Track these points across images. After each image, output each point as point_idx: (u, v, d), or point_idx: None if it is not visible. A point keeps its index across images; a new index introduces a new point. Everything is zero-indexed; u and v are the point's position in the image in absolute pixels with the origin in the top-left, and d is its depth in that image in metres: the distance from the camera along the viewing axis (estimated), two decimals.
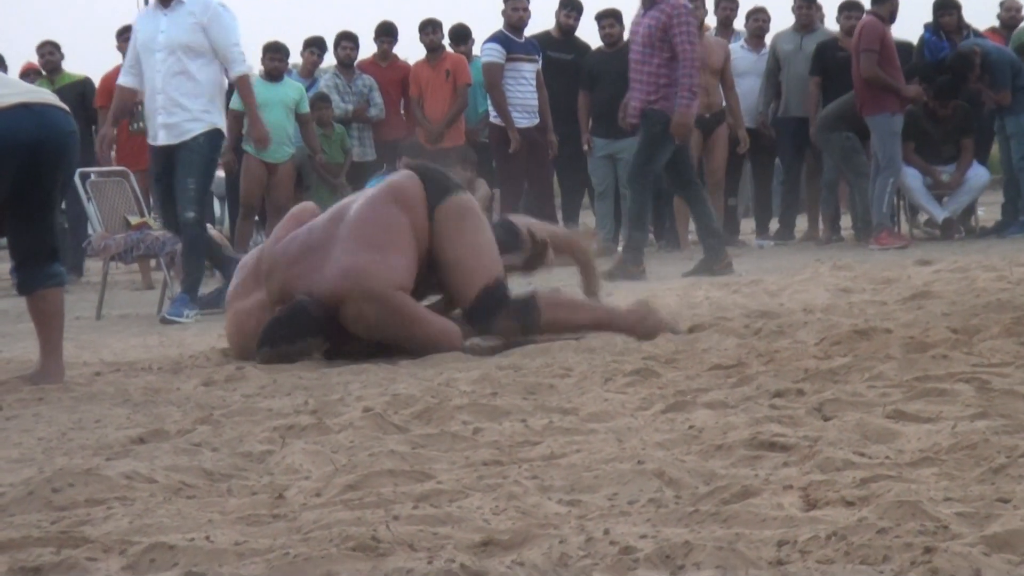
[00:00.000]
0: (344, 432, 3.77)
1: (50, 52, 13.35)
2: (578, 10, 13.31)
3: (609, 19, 13.07)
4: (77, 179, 8.98)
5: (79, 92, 13.05)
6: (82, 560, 2.49)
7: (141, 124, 10.25)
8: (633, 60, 10.07)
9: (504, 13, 12.72)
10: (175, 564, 2.44)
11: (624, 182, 13.08)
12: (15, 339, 7.20)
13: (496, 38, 12.69)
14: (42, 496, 3.03)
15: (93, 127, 12.08)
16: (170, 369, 5.64)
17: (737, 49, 13.34)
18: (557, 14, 13.26)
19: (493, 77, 12.57)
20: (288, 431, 3.81)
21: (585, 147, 13.02)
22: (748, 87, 13.13)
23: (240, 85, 8.74)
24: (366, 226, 5.69)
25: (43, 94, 5.41)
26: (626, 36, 11.94)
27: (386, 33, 13.72)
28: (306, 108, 12.81)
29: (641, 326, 5.81)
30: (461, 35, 13.61)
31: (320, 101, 13.05)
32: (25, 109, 5.22)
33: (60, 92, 12.95)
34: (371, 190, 6.00)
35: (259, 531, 2.69)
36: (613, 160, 13.04)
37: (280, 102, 12.47)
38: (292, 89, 12.89)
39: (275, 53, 13.08)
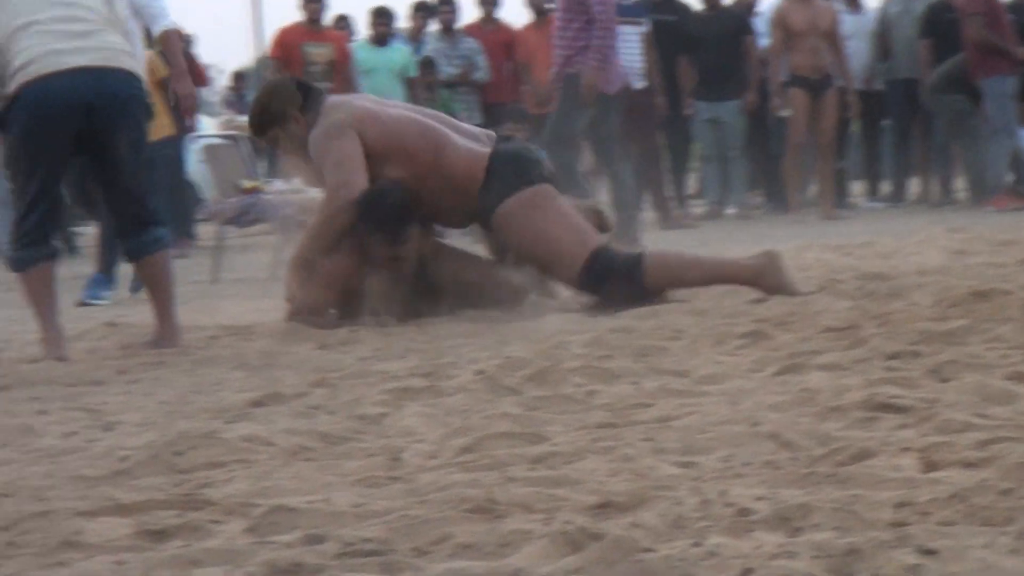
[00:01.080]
0: (457, 395, 3.80)
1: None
2: None
3: None
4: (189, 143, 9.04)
5: None
6: (205, 523, 2.53)
7: None
8: (555, 26, 9.98)
9: None
10: (295, 526, 2.48)
11: (725, 145, 13.02)
12: (137, 304, 7.32)
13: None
14: (165, 459, 3.09)
15: None
16: (284, 332, 5.70)
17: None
18: None
19: None
20: (403, 394, 3.84)
21: (687, 111, 12.96)
22: (851, 49, 12.98)
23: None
24: None
25: (111, 55, 5.35)
26: None
27: None
28: (413, 72, 12.85)
29: (762, 279, 5.77)
30: None
31: (426, 66, 13.08)
32: (82, 72, 5.25)
33: None
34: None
35: (377, 493, 2.72)
36: (717, 123, 12.98)
37: (387, 67, 12.53)
38: (399, 54, 12.93)
39: (381, 17, 13.13)
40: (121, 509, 2.64)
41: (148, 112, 5.54)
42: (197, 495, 2.73)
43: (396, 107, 6.31)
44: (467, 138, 6.05)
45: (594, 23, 9.66)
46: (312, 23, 12.85)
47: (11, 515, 2.61)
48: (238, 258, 10.85)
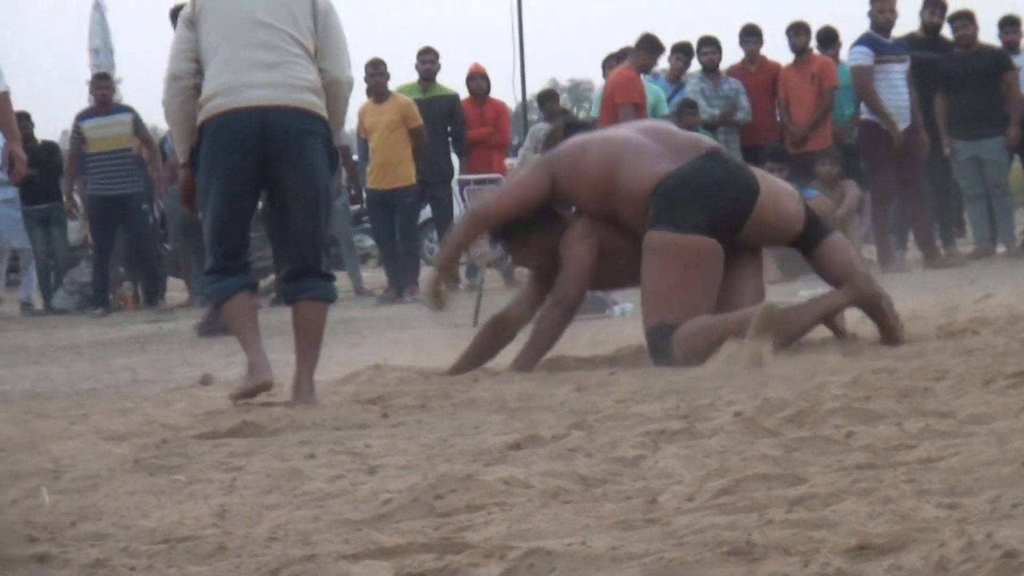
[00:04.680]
0: (715, 436, 3.77)
1: (431, 60, 13.73)
2: (942, 8, 12.98)
3: (963, 19, 12.74)
4: (455, 186, 9.16)
5: (449, 106, 13.49)
6: (464, 566, 2.56)
7: None
8: None
9: (871, 14, 12.48)
10: (553, 569, 2.49)
11: (989, 183, 12.65)
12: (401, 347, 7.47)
13: (864, 41, 12.48)
14: (425, 502, 3.14)
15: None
16: (544, 374, 5.75)
17: None
18: (921, 13, 12.96)
19: (863, 80, 12.35)
20: (660, 436, 3.84)
21: (947, 151, 12.70)
22: None
23: None
24: None
25: (284, 95, 5.37)
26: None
27: (751, 34, 13.62)
28: (664, 110, 12.89)
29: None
30: (828, 38, 13.39)
31: (687, 107, 13.08)
32: (259, 111, 5.32)
33: (430, 103, 13.40)
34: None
35: (634, 535, 2.72)
36: (979, 161, 12.66)
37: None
38: (651, 93, 12.98)
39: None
40: (383, 553, 2.70)
41: (326, 152, 5.49)
42: (456, 538, 2.77)
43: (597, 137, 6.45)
44: (667, 151, 6.05)
45: None
46: None
47: (280, 558, 2.69)
48: (500, 299, 10.97)
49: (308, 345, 5.43)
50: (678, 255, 5.83)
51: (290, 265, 5.52)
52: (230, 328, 5.60)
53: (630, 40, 12.81)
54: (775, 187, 6.12)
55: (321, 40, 5.48)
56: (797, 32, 13.01)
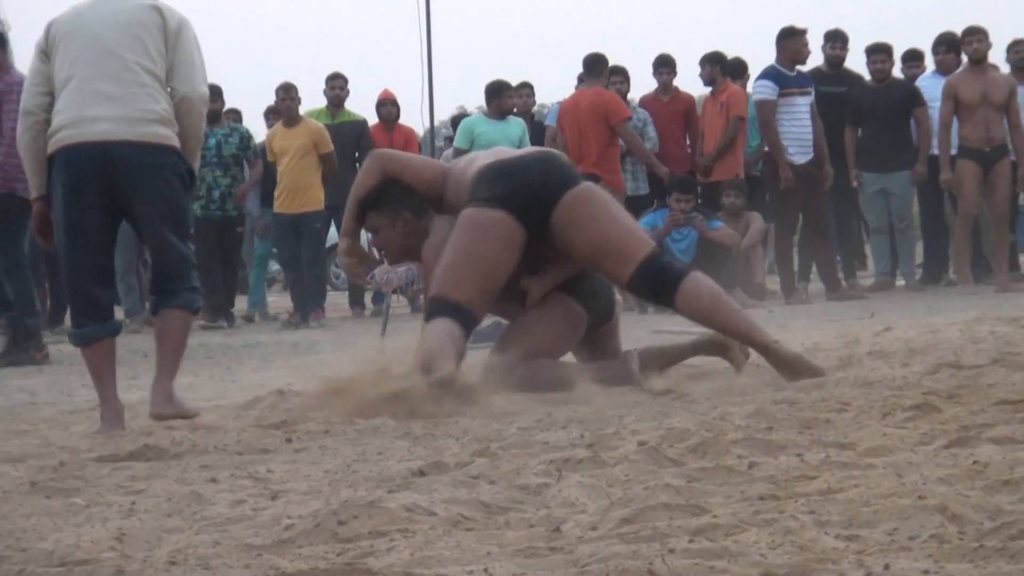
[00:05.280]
0: (619, 465, 3.78)
1: (340, 87, 13.75)
2: (843, 40, 13.16)
3: (881, 54, 12.94)
4: None
5: (357, 132, 13.54)
6: None
7: None
8: None
9: (784, 48, 12.56)
10: None
11: (894, 216, 12.85)
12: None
13: (767, 74, 12.62)
14: (328, 528, 3.12)
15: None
16: (448, 404, 5.73)
17: None
18: (823, 48, 13.13)
19: (766, 114, 12.49)
20: (564, 464, 3.84)
21: (854, 183, 12.88)
22: None
23: None
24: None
25: (126, 130, 5.44)
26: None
27: (664, 65, 13.73)
28: (527, 142, 13.13)
29: (771, 356, 5.79)
30: (738, 69, 13.54)
31: None
32: (99, 145, 5.37)
33: (338, 128, 13.47)
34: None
35: (537, 564, 2.72)
36: (886, 194, 12.85)
37: (505, 138, 12.78)
38: (516, 126, 13.20)
39: (507, 91, 13.47)
40: None
41: (176, 178, 5.54)
42: (359, 564, 2.76)
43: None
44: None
45: None
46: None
47: None
48: (406, 325, 10.96)
49: (166, 352, 5.52)
50: (463, 226, 5.87)
51: (152, 279, 5.68)
52: (89, 373, 5.64)
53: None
54: (606, 207, 6.01)
55: (172, 59, 5.52)
56: (703, 64, 13.14)
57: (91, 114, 5.41)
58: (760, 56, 13.72)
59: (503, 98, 13.43)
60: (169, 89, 5.51)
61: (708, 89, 13.29)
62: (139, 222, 5.53)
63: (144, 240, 5.67)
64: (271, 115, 14.37)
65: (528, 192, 5.88)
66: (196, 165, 5.68)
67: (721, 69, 13.12)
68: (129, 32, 5.47)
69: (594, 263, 6.01)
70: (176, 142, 5.52)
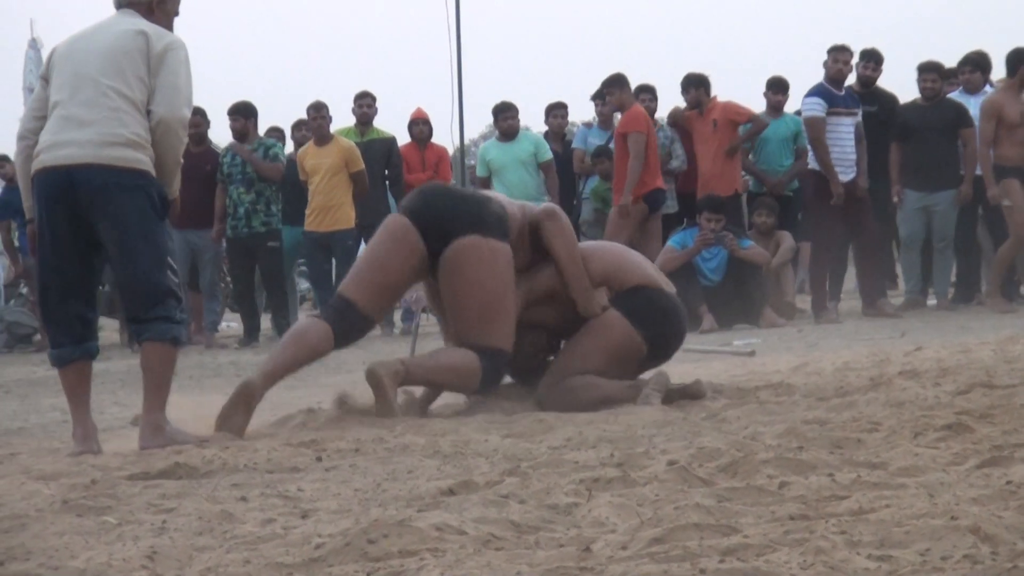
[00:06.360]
0: (649, 485, 3.78)
1: (368, 104, 13.80)
2: (877, 60, 13.13)
3: (932, 73, 12.85)
4: None
5: (386, 150, 13.60)
6: None
7: None
8: None
9: (826, 65, 12.58)
10: None
11: (935, 235, 12.80)
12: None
13: (817, 91, 12.59)
14: (358, 547, 3.13)
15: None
16: (479, 419, 5.74)
17: None
18: (857, 66, 13.10)
19: (816, 131, 12.48)
20: (594, 483, 3.84)
21: (895, 199, 12.82)
22: None
23: None
24: None
25: (89, 153, 5.48)
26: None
27: (695, 83, 13.73)
28: (545, 157, 13.22)
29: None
30: (781, 86, 13.52)
31: (599, 155, 13.33)
32: (63, 170, 5.44)
33: (367, 146, 13.56)
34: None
35: None
36: (927, 212, 12.79)
37: (514, 160, 12.83)
38: (527, 143, 13.30)
39: (507, 111, 13.60)
40: None
41: (146, 201, 5.55)
42: None
43: None
44: None
45: None
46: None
47: None
48: (434, 344, 10.96)
49: (148, 386, 5.55)
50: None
51: (123, 308, 5.73)
52: (64, 392, 5.71)
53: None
54: (486, 272, 6.14)
55: (153, 83, 5.57)
56: (686, 87, 13.20)
57: (63, 139, 5.52)
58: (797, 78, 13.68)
59: (499, 120, 13.64)
60: (149, 113, 5.54)
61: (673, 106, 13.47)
62: (107, 246, 5.55)
63: (111, 265, 5.66)
64: (300, 128, 14.41)
65: (431, 214, 6.15)
66: (174, 188, 5.67)
67: (706, 91, 13.17)
68: (109, 58, 5.54)
69: (452, 317, 6.27)
70: (147, 166, 5.53)
